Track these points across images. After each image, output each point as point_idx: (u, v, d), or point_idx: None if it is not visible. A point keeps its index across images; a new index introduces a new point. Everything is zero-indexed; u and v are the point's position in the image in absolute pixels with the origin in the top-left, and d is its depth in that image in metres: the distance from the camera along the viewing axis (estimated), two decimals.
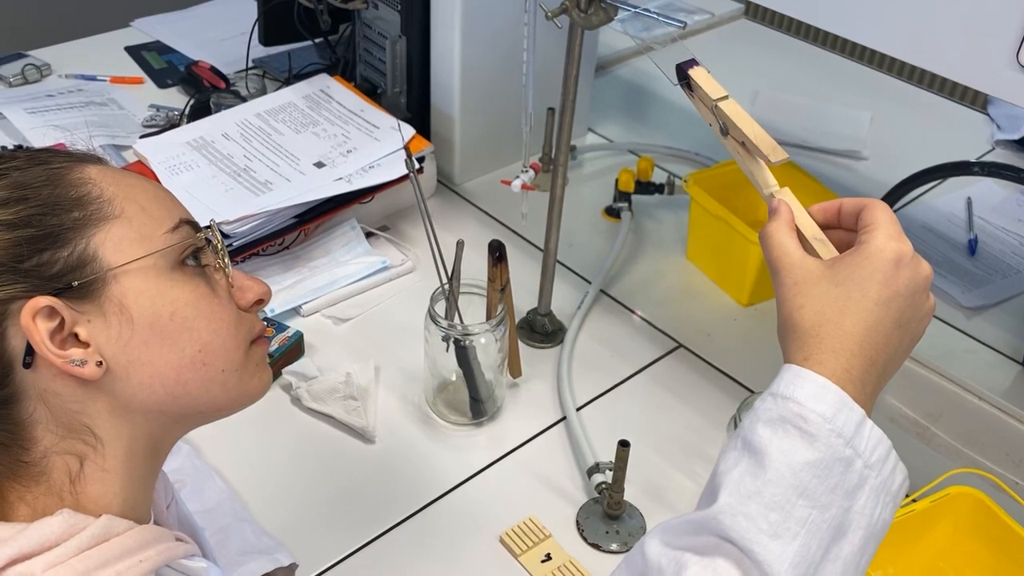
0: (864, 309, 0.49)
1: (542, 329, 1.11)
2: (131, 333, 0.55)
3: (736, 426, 0.84)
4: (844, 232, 0.56)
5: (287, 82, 1.44)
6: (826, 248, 0.54)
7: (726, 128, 0.57)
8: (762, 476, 0.46)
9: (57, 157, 0.58)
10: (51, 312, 0.53)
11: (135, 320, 0.55)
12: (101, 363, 0.54)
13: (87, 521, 0.53)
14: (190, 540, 0.60)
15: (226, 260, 0.61)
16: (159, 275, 0.56)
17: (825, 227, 0.56)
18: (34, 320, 0.52)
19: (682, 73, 0.58)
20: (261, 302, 0.63)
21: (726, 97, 0.57)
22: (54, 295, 0.53)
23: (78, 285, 0.53)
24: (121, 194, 0.57)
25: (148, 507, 0.61)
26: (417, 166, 1.06)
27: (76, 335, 0.54)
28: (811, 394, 0.47)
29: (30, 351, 0.53)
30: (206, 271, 0.60)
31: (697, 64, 0.58)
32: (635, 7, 0.87)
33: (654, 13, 0.87)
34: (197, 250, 0.59)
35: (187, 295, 0.57)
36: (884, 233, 0.51)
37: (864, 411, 0.48)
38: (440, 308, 0.96)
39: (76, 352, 0.53)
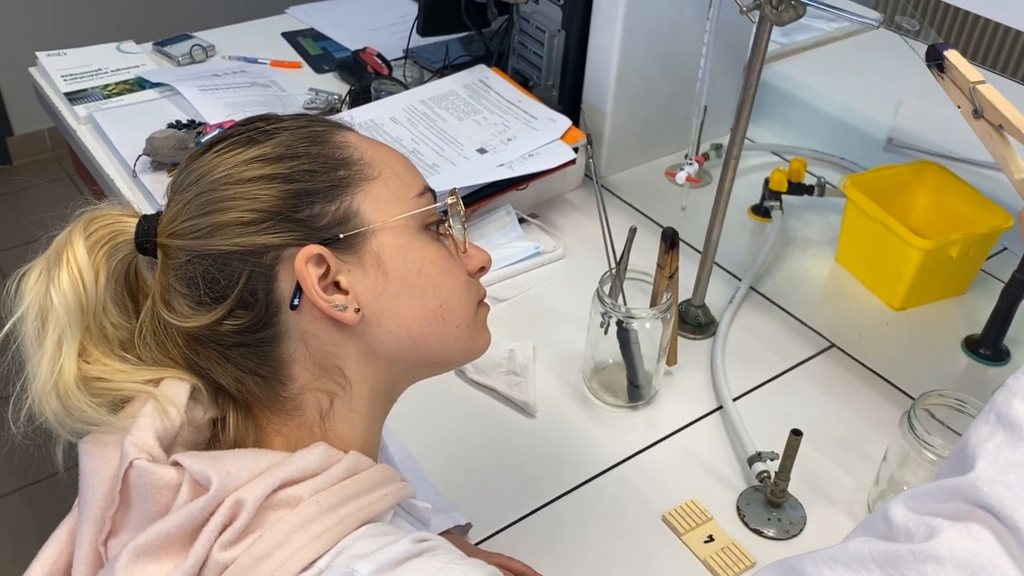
0: None
1: (694, 320, 1.13)
2: (384, 285, 0.59)
3: (910, 423, 0.84)
4: None
5: (441, 72, 1.49)
6: None
7: (980, 111, 0.58)
8: (1021, 448, 0.48)
9: (317, 123, 0.63)
10: (320, 260, 0.57)
11: (388, 273, 0.59)
12: (359, 310, 0.58)
13: (339, 455, 0.58)
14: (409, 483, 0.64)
15: (464, 227, 0.65)
16: (409, 234, 0.61)
17: None
18: (306, 265, 0.57)
19: (934, 54, 0.60)
20: (483, 269, 0.67)
21: (983, 81, 0.58)
22: (323, 244, 0.57)
23: (343, 237, 0.58)
24: (377, 159, 0.62)
25: (378, 449, 0.65)
26: (590, 150, 1.10)
27: (337, 283, 0.58)
28: None
29: (296, 295, 0.57)
30: (441, 236, 0.64)
31: (951, 47, 0.59)
32: (826, 5, 0.88)
33: (845, 11, 0.89)
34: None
35: (431, 255, 0.62)
36: None
37: None
38: (606, 292, 0.99)
39: (339, 298, 0.58)
